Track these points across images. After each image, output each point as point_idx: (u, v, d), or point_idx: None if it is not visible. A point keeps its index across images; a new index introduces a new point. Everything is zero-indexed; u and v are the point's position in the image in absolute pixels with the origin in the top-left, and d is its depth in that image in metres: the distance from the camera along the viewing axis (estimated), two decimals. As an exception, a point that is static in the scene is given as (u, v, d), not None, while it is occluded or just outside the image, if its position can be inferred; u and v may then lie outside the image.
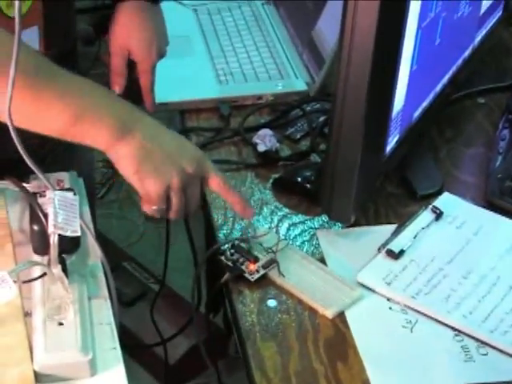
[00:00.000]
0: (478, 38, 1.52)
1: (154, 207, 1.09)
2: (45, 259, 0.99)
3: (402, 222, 1.23)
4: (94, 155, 1.47)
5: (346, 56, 1.05)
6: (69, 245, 0.99)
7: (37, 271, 0.99)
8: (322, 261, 1.17)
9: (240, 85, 1.54)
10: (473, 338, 1.07)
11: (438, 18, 1.23)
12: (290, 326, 1.09)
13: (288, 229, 1.23)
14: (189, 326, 1.41)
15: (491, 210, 1.26)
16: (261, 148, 1.36)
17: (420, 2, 1.13)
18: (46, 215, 0.98)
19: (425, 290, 1.13)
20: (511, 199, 1.27)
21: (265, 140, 1.36)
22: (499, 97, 1.52)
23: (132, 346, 1.83)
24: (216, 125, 1.45)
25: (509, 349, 1.05)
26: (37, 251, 1.02)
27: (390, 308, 1.11)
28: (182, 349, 1.97)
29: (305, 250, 1.20)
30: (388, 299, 1.12)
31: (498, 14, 1.59)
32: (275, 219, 1.25)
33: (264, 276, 1.14)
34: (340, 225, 1.23)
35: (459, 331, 1.08)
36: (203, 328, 1.28)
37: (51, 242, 0.96)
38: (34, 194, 1.04)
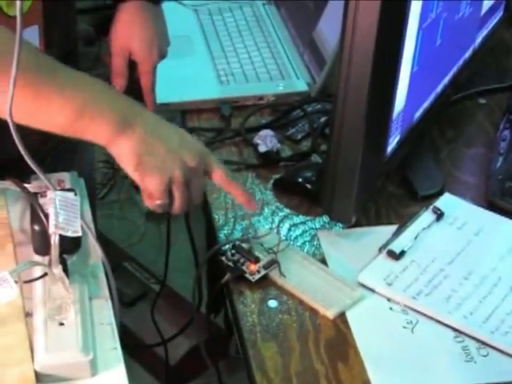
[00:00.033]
0: (479, 39, 1.52)
1: (157, 202, 1.07)
2: (46, 259, 0.99)
3: (403, 222, 1.23)
4: (95, 156, 1.47)
5: (346, 56, 1.05)
6: (70, 245, 0.99)
7: (38, 271, 0.98)
8: (323, 261, 1.17)
9: (241, 85, 1.54)
10: (473, 338, 1.07)
11: (438, 19, 1.23)
12: (291, 326, 1.09)
13: (289, 229, 1.23)
14: (189, 327, 1.41)
15: (492, 211, 1.26)
16: (262, 148, 1.36)
17: (421, 3, 1.13)
18: (46, 215, 0.98)
19: (425, 290, 1.13)
20: (512, 200, 1.28)
21: (266, 140, 1.36)
22: (500, 97, 1.52)
23: (133, 346, 1.83)
24: (217, 125, 1.45)
25: (509, 349, 1.05)
26: (38, 251, 1.01)
27: (391, 308, 1.11)
28: (182, 349, 1.97)
29: (306, 250, 1.20)
30: (389, 300, 1.12)
31: (499, 14, 1.59)
32: (276, 220, 1.25)
33: (265, 276, 1.14)
34: (341, 225, 1.23)
35: (460, 332, 1.08)
36: (204, 328, 1.28)
37: (52, 242, 0.96)
38: (35, 194, 1.04)
